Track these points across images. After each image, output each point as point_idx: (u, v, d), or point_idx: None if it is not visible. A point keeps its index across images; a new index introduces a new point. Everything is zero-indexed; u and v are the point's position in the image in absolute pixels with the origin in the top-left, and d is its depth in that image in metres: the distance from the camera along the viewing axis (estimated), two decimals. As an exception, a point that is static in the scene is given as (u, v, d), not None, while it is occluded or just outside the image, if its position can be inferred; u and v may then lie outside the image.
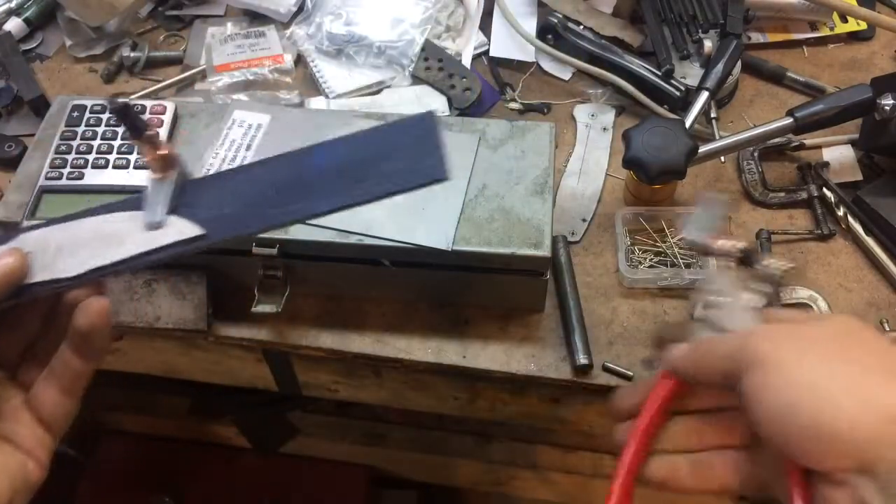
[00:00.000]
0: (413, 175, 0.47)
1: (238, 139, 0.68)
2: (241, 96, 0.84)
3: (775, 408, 0.36)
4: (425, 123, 0.48)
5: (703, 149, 0.72)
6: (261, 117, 0.70)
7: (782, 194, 0.76)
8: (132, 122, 0.46)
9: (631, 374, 0.65)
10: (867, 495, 0.34)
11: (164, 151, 0.47)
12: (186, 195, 0.48)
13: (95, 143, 0.67)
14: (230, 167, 0.66)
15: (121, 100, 0.46)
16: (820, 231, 0.73)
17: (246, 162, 0.67)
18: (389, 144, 0.48)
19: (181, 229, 0.47)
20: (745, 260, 0.50)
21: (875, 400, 0.35)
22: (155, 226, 0.47)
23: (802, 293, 0.69)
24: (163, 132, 0.68)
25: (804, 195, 0.75)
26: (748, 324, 0.46)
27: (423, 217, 0.63)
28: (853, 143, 0.79)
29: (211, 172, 0.66)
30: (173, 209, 0.47)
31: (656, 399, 0.45)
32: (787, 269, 0.49)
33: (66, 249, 0.45)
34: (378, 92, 0.84)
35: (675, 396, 0.45)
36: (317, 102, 0.83)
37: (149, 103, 0.70)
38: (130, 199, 0.48)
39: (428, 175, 0.46)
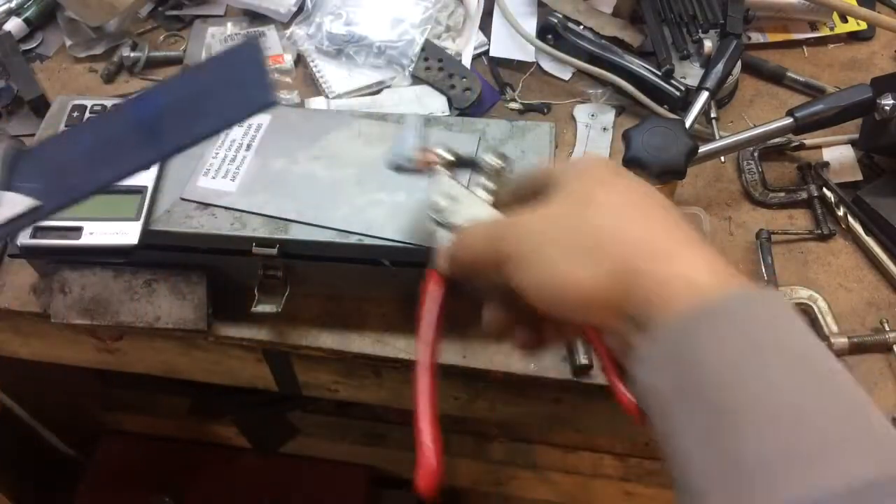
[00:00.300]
0: (241, 106, 0.46)
1: (238, 139, 0.68)
2: (241, 96, 0.84)
3: (537, 290, 0.40)
4: (247, 52, 0.47)
5: (703, 149, 0.72)
6: (261, 117, 0.70)
7: (782, 194, 0.76)
8: None
9: (631, 374, 0.65)
10: (629, 338, 0.37)
11: None
12: (20, 168, 0.47)
13: (95, 143, 0.67)
14: (231, 166, 0.66)
15: None
16: (820, 231, 0.73)
17: (245, 161, 0.67)
18: (213, 81, 0.47)
19: (14, 204, 0.46)
20: (462, 163, 0.53)
21: (611, 254, 0.38)
22: None
23: (803, 293, 0.69)
24: (163, 132, 0.68)
25: (804, 195, 0.75)
26: (483, 214, 0.49)
27: (424, 217, 0.63)
28: (853, 143, 0.79)
29: (205, 176, 0.66)
30: (5, 185, 0.46)
31: (434, 302, 0.47)
32: (502, 165, 0.52)
33: None
34: (378, 92, 0.84)
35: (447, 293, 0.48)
36: (317, 102, 0.83)
37: (149, 103, 0.70)
38: None
39: (255, 103, 0.46)
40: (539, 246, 0.40)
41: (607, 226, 0.40)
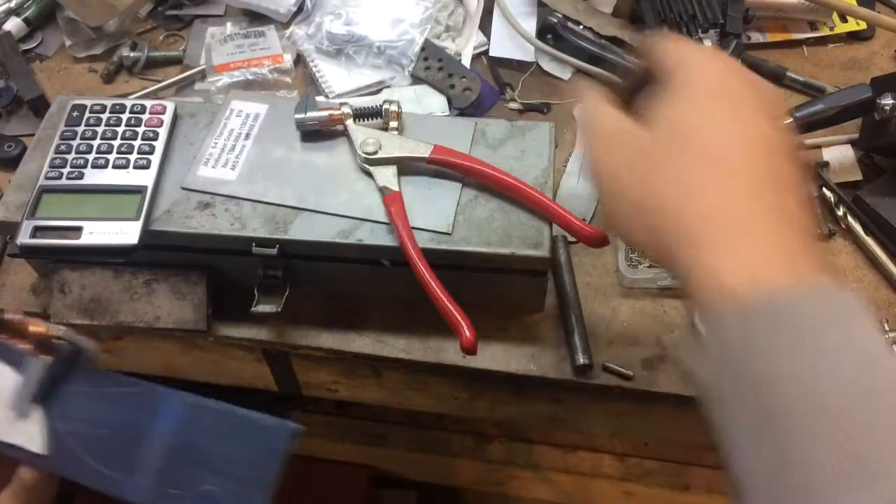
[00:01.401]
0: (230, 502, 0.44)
1: (237, 129, 0.69)
2: (241, 96, 0.84)
3: (612, 221, 0.44)
4: (274, 444, 0.45)
5: (703, 149, 0.72)
6: (258, 107, 0.70)
7: (782, 194, 0.76)
8: None
9: (631, 374, 0.65)
10: (688, 298, 0.38)
11: (38, 333, 0.45)
12: (70, 384, 0.46)
13: (95, 143, 0.67)
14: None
15: None
16: (820, 231, 0.73)
17: (245, 150, 0.67)
18: (231, 447, 0.44)
19: (29, 438, 0.45)
20: (366, 114, 0.67)
21: (665, 234, 0.39)
22: (18, 410, 0.45)
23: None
24: (162, 132, 0.68)
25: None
26: (407, 146, 0.64)
27: (423, 205, 0.64)
28: (853, 143, 0.79)
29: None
30: (45, 395, 0.45)
31: (400, 217, 0.61)
32: (399, 110, 0.66)
33: None
34: (378, 92, 0.84)
35: None
36: (317, 102, 0.83)
37: (148, 103, 0.70)
38: (25, 359, 0.46)
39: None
40: (614, 195, 0.43)
41: (657, 193, 0.39)
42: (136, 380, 0.48)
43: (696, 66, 0.42)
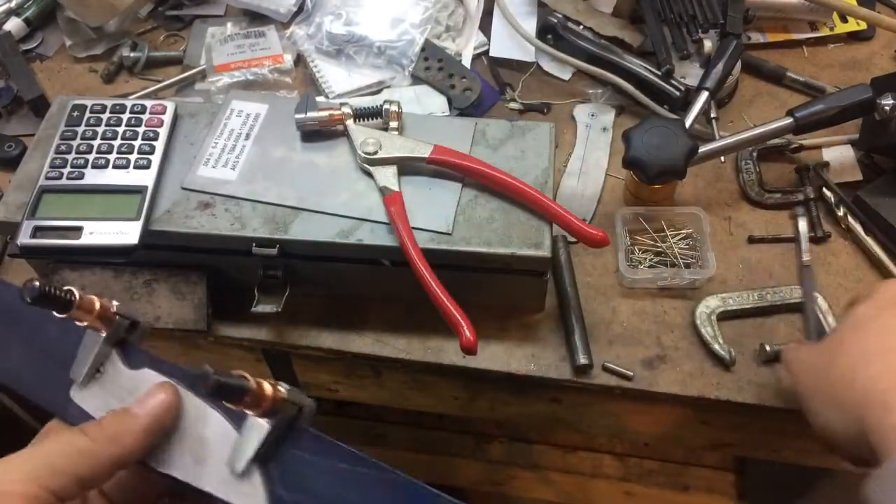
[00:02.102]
0: None
1: (237, 129, 0.69)
2: (241, 96, 0.84)
3: (812, 424, 0.52)
4: None
5: (702, 149, 0.72)
6: (259, 107, 0.71)
7: (778, 195, 0.76)
8: (229, 396, 0.39)
9: (631, 374, 0.65)
10: (873, 465, 0.46)
11: (269, 398, 0.40)
12: (290, 448, 0.42)
13: (95, 143, 0.67)
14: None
15: (215, 377, 0.37)
16: (814, 234, 0.73)
17: (245, 151, 0.67)
18: None
19: (249, 501, 0.41)
20: (366, 114, 0.67)
21: (847, 404, 0.48)
22: (235, 468, 0.41)
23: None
24: (163, 132, 0.68)
25: (800, 197, 0.75)
26: (407, 145, 0.65)
27: (423, 205, 0.64)
28: (853, 143, 0.79)
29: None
30: (263, 457, 0.41)
31: (401, 218, 0.62)
32: (400, 110, 0.66)
33: (178, 438, 0.43)
34: (378, 92, 0.84)
35: None
36: (317, 102, 0.83)
37: (149, 103, 0.70)
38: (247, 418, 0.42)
39: None
40: (807, 393, 0.53)
41: (846, 374, 0.49)
42: (369, 458, 0.44)
43: (883, 285, 0.53)
